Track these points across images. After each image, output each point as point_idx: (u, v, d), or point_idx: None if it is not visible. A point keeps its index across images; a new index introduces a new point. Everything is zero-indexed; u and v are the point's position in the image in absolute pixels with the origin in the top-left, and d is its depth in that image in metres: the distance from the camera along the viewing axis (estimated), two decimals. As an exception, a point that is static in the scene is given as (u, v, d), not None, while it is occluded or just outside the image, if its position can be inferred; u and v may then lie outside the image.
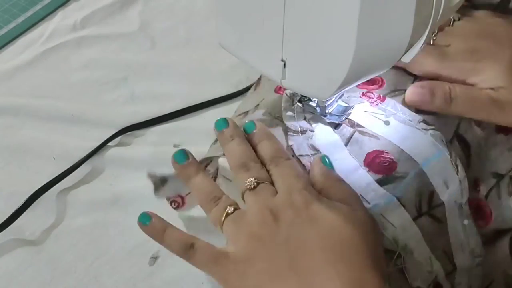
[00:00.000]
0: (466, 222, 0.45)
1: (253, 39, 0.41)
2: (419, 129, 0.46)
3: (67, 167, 0.63)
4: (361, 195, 0.43)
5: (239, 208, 0.42)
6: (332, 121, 0.47)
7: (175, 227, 0.43)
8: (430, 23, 0.39)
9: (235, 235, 0.40)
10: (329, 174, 0.43)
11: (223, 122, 0.46)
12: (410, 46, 0.39)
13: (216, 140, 0.50)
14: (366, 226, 0.39)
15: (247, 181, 0.42)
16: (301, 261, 0.37)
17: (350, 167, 0.44)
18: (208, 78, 0.73)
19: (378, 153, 0.44)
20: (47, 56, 0.77)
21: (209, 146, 0.52)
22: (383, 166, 0.43)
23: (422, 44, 0.40)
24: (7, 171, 0.65)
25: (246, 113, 0.51)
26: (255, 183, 0.42)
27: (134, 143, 0.67)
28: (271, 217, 0.39)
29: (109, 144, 0.66)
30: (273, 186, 0.42)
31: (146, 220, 0.43)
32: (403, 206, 0.43)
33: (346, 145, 0.45)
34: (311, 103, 0.47)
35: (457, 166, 0.45)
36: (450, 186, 0.44)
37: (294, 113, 0.47)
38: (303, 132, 0.46)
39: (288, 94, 0.49)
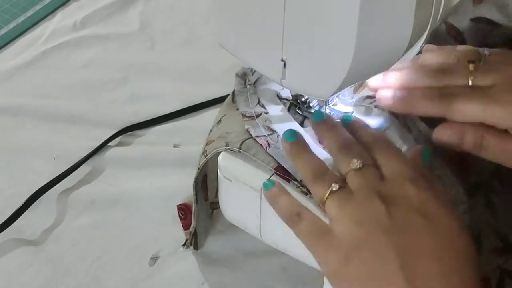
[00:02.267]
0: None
1: (253, 39, 0.41)
2: (365, 106, 0.46)
3: (67, 167, 0.63)
4: None
5: (345, 186, 0.39)
6: None
7: (290, 195, 0.42)
8: (430, 23, 0.39)
9: (339, 216, 0.38)
10: (425, 171, 0.41)
11: (320, 114, 0.45)
12: (410, 46, 0.39)
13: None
14: (467, 232, 0.38)
15: (352, 162, 0.40)
16: (414, 266, 0.35)
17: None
18: (208, 78, 0.73)
19: None
20: (47, 56, 0.77)
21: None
22: None
23: (422, 44, 0.40)
24: (7, 171, 0.65)
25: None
26: (361, 164, 0.39)
27: (134, 143, 0.67)
28: (384, 206, 0.37)
29: (109, 144, 0.66)
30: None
31: (267, 187, 0.43)
32: None
33: (301, 125, 0.46)
34: (311, 110, 0.47)
35: (408, 126, 0.45)
36: (405, 146, 0.44)
37: (248, 96, 0.47)
38: (258, 116, 0.47)
39: (240, 75, 0.49)
